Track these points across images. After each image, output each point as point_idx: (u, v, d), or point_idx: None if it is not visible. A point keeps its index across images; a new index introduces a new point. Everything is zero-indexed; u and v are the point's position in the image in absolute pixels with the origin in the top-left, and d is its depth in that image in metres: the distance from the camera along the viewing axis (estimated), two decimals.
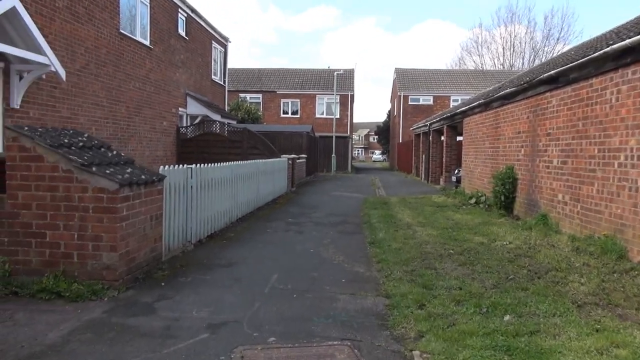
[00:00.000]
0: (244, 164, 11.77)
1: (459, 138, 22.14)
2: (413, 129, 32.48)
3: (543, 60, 59.79)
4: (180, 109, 19.52)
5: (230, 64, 29.87)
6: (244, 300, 5.34)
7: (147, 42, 16.09)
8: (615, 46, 7.24)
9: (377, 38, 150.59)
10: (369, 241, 8.81)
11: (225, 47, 25.99)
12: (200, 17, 21.78)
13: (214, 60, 24.41)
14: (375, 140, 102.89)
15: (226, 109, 26.62)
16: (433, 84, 45.55)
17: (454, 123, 19.95)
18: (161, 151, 17.56)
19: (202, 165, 8.59)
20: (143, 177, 6.06)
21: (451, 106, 42.04)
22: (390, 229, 10.01)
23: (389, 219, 11.43)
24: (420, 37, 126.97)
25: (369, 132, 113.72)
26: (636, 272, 6.25)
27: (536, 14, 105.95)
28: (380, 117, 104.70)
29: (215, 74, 24.62)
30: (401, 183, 26.18)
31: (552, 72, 9.51)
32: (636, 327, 4.52)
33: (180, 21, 19.66)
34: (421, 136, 29.14)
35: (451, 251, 7.80)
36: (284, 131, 28.48)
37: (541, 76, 10.14)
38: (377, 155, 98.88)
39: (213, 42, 23.95)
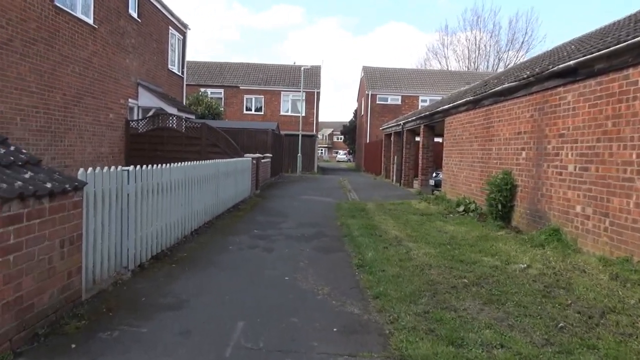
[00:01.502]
0: (201, 164, 9.87)
1: (436, 139, 20.78)
2: (383, 129, 31.07)
3: (508, 64, 60.10)
4: (130, 100, 17.30)
5: (191, 57, 27.79)
6: None
7: (90, 20, 13.87)
8: None
9: (341, 38, 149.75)
10: (357, 263, 7.10)
11: (184, 34, 23.80)
12: None
13: (171, 48, 22.22)
14: (340, 140, 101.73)
15: (184, 103, 24.43)
16: (401, 84, 44.41)
17: (433, 122, 18.52)
18: (106, 147, 15.35)
19: (145, 166, 6.67)
20: (48, 185, 4.14)
21: (420, 106, 40.96)
22: (378, 245, 8.33)
23: (373, 231, 9.76)
24: (383, 39, 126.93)
25: (332, 131, 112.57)
26: None
27: (501, 17, 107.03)
28: (344, 118, 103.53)
29: (172, 64, 22.42)
30: (372, 185, 24.65)
31: (571, 62, 8.04)
32: None
33: (131, 0, 17.48)
34: (392, 136, 27.74)
35: (465, 280, 6.17)
36: (248, 128, 26.54)
37: (553, 68, 8.68)
38: (341, 155, 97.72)
39: (170, 28, 21.77)
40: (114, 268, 5.70)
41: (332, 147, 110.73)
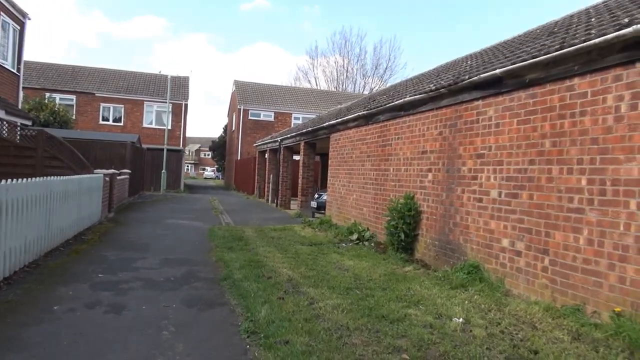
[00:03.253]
0: (22, 184, 7.05)
1: (316, 157, 19.39)
2: (258, 145, 29.18)
3: (373, 87, 62.30)
4: None
5: (37, 57, 23.37)
6: None
7: None
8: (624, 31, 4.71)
9: (208, 54, 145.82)
10: (247, 328, 5.02)
11: (22, 25, 19.72)
12: None
13: (2, 39, 18.15)
14: (208, 157, 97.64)
15: (19, 106, 20.20)
16: (274, 100, 43.08)
17: (315, 139, 17.07)
18: None
19: None
20: None
21: (293, 124, 39.89)
22: (270, 293, 6.31)
23: (259, 270, 7.71)
24: (252, 58, 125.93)
25: (200, 147, 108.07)
26: None
27: (367, 43, 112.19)
28: (212, 133, 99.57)
29: (3, 57, 18.32)
30: (246, 206, 22.51)
31: (497, 70, 6.88)
32: None
33: None
34: (268, 153, 25.96)
35: (405, 356, 4.41)
36: (103, 140, 22.96)
37: (472, 78, 7.50)
38: (209, 172, 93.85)
39: (1, 13, 17.76)
40: None
41: (199, 164, 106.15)
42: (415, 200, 9.46)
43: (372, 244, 10.64)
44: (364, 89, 62.39)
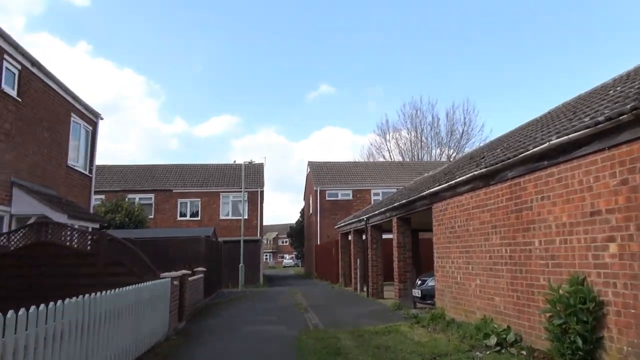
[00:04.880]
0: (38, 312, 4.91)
1: (385, 235, 16.58)
2: (339, 227, 26.79)
3: (452, 154, 59.10)
4: None
5: (117, 161, 23.05)
6: None
7: None
8: None
9: (278, 144, 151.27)
10: None
11: (94, 125, 19.27)
12: (49, 75, 15.26)
13: (73, 140, 17.56)
14: (286, 244, 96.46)
15: (91, 209, 19.28)
16: (351, 178, 41.19)
17: (410, 213, 14.41)
18: None
19: None
20: None
21: (372, 201, 37.41)
22: None
23: None
24: (321, 142, 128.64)
25: (277, 234, 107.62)
26: None
27: (439, 110, 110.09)
28: (288, 220, 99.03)
29: (74, 160, 17.63)
30: (332, 298, 19.73)
31: None
32: None
33: (7, 72, 13.05)
34: (352, 235, 23.45)
35: None
36: (176, 237, 21.54)
37: None
38: (287, 259, 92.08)
39: (73, 114, 17.26)
40: None
41: (277, 252, 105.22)
42: (589, 285, 6.45)
43: (524, 353, 7.53)
44: (440, 158, 59.49)
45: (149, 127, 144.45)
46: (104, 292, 7.09)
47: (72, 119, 17.22)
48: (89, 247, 12.03)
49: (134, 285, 8.65)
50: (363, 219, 19.90)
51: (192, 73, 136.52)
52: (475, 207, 9.87)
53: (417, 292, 13.87)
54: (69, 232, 12.02)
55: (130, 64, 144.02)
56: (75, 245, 12.09)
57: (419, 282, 14.04)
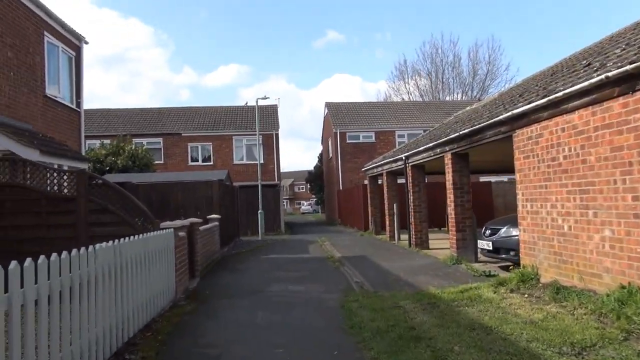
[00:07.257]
0: None
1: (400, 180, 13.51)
2: (367, 169, 23.82)
3: (475, 95, 54.72)
4: None
5: (124, 104, 20.05)
6: None
7: None
8: None
9: (290, 92, 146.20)
10: None
11: (78, 50, 16.10)
12: None
13: (52, 67, 14.48)
14: (303, 190, 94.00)
15: (83, 148, 16.40)
16: (373, 119, 37.69)
17: (472, 146, 11.32)
18: None
19: None
20: None
21: (397, 143, 34.17)
22: None
23: None
24: (332, 91, 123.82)
25: (293, 181, 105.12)
26: None
27: (461, 48, 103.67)
28: (304, 166, 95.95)
29: (55, 90, 14.60)
30: (369, 248, 16.99)
31: None
32: None
33: None
34: (384, 177, 20.49)
35: None
36: (183, 181, 18.77)
37: None
38: (305, 206, 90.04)
39: (47, 33, 14.08)
40: None
41: (294, 198, 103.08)
42: None
43: None
44: (464, 96, 55.40)
45: (159, 77, 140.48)
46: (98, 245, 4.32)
47: (45, 38, 14.05)
48: (65, 190, 9.20)
49: (131, 240, 5.84)
50: (401, 157, 16.85)
51: (199, 20, 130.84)
52: (604, 126, 6.73)
53: (486, 244, 10.95)
54: (36, 171, 9.15)
55: (137, 13, 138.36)
56: (49, 188, 9.26)
57: (488, 232, 11.10)
